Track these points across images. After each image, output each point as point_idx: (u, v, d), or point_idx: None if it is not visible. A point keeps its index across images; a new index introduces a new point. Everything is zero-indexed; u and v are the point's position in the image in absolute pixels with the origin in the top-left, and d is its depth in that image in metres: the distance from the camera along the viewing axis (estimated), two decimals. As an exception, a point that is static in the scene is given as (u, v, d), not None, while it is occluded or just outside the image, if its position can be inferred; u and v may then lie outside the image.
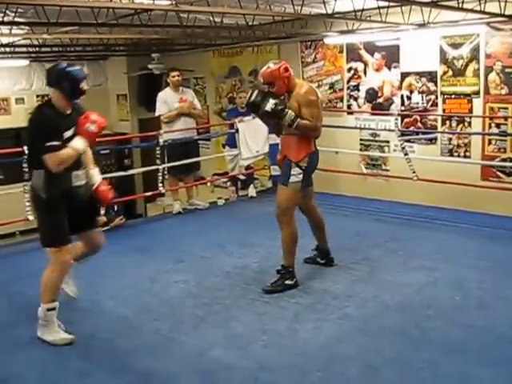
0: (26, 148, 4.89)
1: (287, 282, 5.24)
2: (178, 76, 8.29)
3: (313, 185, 5.59)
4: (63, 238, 4.38)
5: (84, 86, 4.36)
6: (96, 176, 4.58)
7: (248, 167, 9.38)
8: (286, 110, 5.06)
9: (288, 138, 5.30)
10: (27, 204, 6.75)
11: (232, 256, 6.20)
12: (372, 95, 8.81)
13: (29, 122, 4.38)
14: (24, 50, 9.68)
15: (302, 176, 5.21)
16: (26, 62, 10.76)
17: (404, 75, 8.38)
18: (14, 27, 7.00)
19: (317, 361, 3.97)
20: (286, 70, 5.19)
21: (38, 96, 12.53)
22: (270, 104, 5.07)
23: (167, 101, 8.16)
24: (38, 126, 4.26)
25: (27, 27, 7.15)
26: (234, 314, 4.75)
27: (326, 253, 5.81)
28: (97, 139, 4.50)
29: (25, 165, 6.65)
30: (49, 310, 4.35)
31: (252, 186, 9.31)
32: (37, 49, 9.67)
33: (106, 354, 4.25)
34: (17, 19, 6.09)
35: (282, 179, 5.30)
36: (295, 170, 5.20)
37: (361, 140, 9.04)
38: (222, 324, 4.59)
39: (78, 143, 4.26)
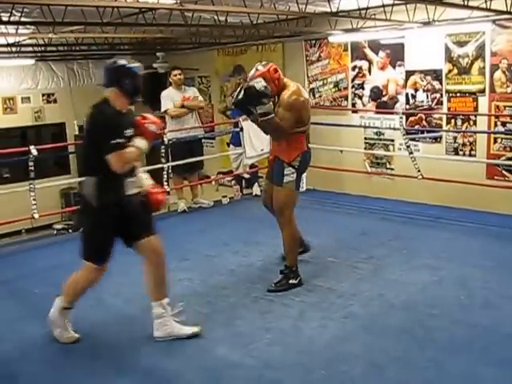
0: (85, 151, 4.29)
1: (291, 281, 5.22)
2: (180, 75, 8.30)
3: None
4: (104, 258, 4.26)
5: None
6: (145, 178, 4.43)
7: (252, 166, 9.38)
8: (271, 103, 4.96)
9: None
10: (33, 202, 6.78)
11: (236, 254, 6.20)
12: (377, 94, 8.80)
13: (90, 121, 4.12)
14: (30, 49, 9.73)
15: (295, 175, 5.18)
16: (31, 62, 10.81)
17: (409, 73, 8.37)
18: (20, 27, 7.03)
19: (321, 359, 3.97)
20: (276, 71, 5.15)
21: (43, 95, 12.62)
22: (260, 85, 4.90)
23: (172, 98, 8.19)
24: (101, 125, 4.02)
25: (33, 27, 7.18)
26: (238, 313, 4.76)
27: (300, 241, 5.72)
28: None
29: (30, 163, 6.69)
30: (64, 308, 4.35)
31: (256, 184, 9.31)
32: (42, 48, 9.72)
33: (111, 351, 4.27)
34: (23, 19, 6.12)
35: (276, 181, 5.26)
36: (288, 170, 5.17)
37: (365, 139, 9.03)
38: (226, 322, 4.59)
39: (141, 142, 4.12)
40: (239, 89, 5.08)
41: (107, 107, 4.10)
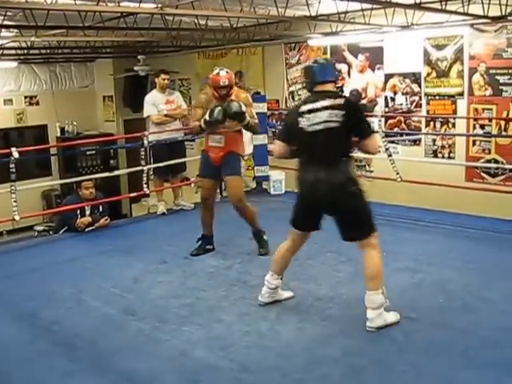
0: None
1: (265, 236, 6.18)
2: (168, 79, 8.34)
3: None
4: None
5: None
6: None
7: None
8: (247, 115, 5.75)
9: (233, 135, 5.98)
10: (14, 204, 6.77)
11: (215, 257, 6.19)
12: (356, 96, 8.82)
13: (353, 105, 4.63)
14: (13, 52, 9.74)
15: (242, 164, 6.09)
16: (14, 64, 10.79)
17: (388, 76, 8.44)
18: (3, 30, 7.01)
19: (299, 362, 3.97)
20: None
21: (26, 97, 12.59)
22: (236, 106, 5.63)
23: (155, 103, 8.18)
24: (362, 108, 4.75)
25: (16, 30, 7.16)
26: (216, 315, 4.75)
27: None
28: None
29: (12, 165, 6.67)
30: None
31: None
32: (25, 51, 9.73)
33: (89, 353, 4.25)
34: (6, 22, 6.12)
35: (233, 171, 5.96)
36: (241, 162, 6.07)
37: (345, 141, 9.04)
38: (205, 324, 4.58)
39: None
40: (211, 110, 5.74)
41: None
